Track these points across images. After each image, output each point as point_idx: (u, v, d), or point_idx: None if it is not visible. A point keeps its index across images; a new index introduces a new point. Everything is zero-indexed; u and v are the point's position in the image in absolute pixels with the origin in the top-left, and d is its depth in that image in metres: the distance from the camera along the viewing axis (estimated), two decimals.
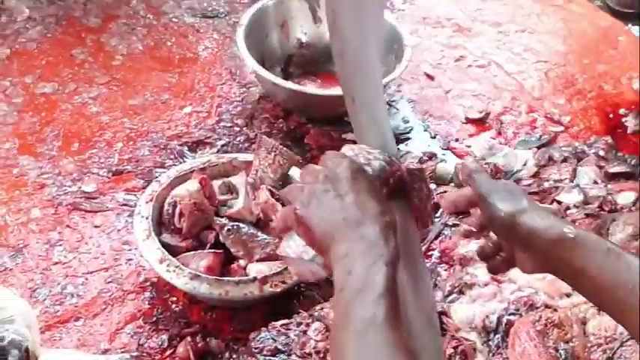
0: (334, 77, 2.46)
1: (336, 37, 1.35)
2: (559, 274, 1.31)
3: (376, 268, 1.12)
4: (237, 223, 2.06)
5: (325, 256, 1.21)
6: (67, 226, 2.29)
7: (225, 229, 2.05)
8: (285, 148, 2.22)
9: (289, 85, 2.52)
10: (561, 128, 2.65)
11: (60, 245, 2.24)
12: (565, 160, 2.42)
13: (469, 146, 2.55)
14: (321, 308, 1.95)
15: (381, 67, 1.38)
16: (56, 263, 2.20)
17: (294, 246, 1.29)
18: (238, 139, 2.56)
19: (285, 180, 2.19)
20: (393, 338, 1.06)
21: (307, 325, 1.91)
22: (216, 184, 2.18)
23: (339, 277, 1.15)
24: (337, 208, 1.19)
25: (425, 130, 2.66)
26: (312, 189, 1.23)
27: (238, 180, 2.19)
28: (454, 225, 2.26)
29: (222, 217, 2.10)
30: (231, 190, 2.17)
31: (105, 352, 2.02)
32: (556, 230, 1.28)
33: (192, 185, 2.10)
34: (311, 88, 2.68)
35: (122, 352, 2.01)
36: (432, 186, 2.38)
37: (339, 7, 1.33)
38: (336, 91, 2.41)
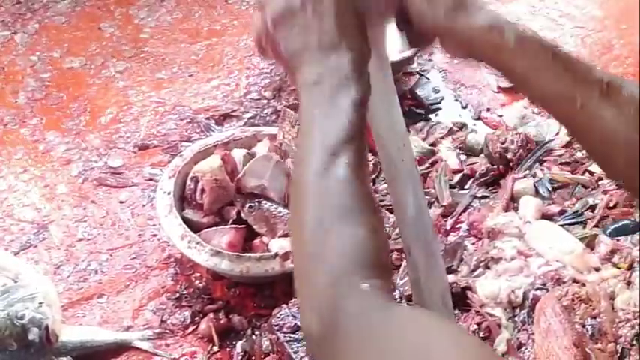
0: None
1: None
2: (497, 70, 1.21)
3: (346, 104, 1.06)
4: (258, 200, 2.04)
5: (291, 75, 1.14)
6: (93, 201, 2.29)
7: (247, 205, 2.02)
8: None
9: None
10: None
11: (85, 221, 2.24)
12: None
13: (501, 116, 2.51)
14: None
15: (387, 43, 1.33)
16: (81, 240, 2.20)
17: None
18: (265, 111, 2.53)
19: None
20: (355, 186, 1.01)
21: None
22: (239, 153, 2.16)
23: (306, 106, 1.10)
24: (313, 28, 1.12)
25: (456, 100, 2.62)
26: (288, 1, 1.13)
27: (261, 149, 2.17)
28: (483, 197, 2.21)
29: (247, 193, 2.07)
30: None
31: (128, 328, 2.02)
32: (495, 36, 1.13)
33: (215, 161, 2.08)
34: None
35: (145, 329, 2.01)
36: (462, 157, 2.34)
37: None
38: None
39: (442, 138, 2.42)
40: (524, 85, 1.15)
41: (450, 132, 2.44)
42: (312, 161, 1.04)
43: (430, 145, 2.39)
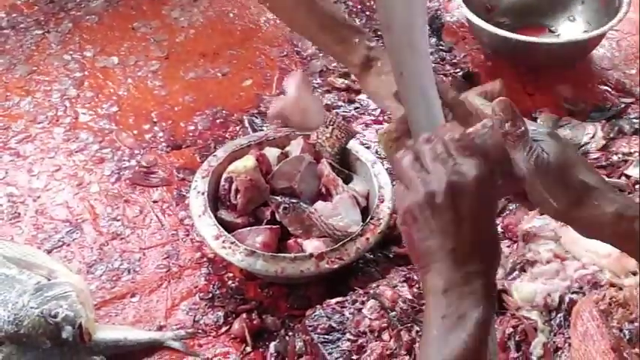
0: None
1: (382, 10, 1.32)
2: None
3: (471, 323, 1.10)
4: (293, 201, 2.03)
5: (420, 270, 1.16)
6: (126, 201, 2.29)
7: (282, 207, 2.01)
8: (343, 122, 2.18)
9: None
10: (632, 99, 2.56)
11: (118, 220, 2.24)
12: (635, 132, 2.34)
13: (536, 118, 2.47)
14: (377, 286, 1.91)
15: (428, 40, 1.33)
16: (113, 238, 2.20)
17: None
18: None
19: (342, 154, 2.15)
20: None
21: (362, 303, 1.87)
22: (273, 153, 2.16)
23: (432, 311, 1.12)
24: (450, 232, 1.12)
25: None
26: (429, 197, 1.12)
27: (295, 148, 2.18)
28: None
29: (278, 194, 2.07)
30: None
31: (160, 328, 2.01)
32: (625, 225, 1.15)
33: (249, 161, 2.08)
34: None
35: (178, 329, 2.00)
36: None
37: None
38: None
39: None
40: None
41: None
42: None
43: None
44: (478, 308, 1.09)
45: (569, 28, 2.74)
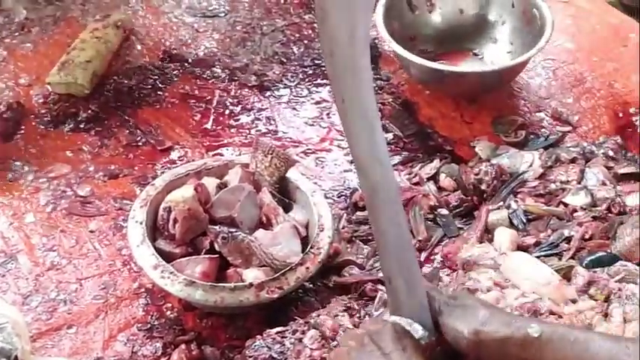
0: None
1: (324, 36, 1.32)
2: None
3: None
4: (232, 230, 2.01)
5: None
6: (62, 231, 2.25)
7: (220, 237, 1.99)
8: (282, 151, 2.18)
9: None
10: (569, 128, 2.57)
11: (54, 251, 2.20)
12: (573, 160, 2.35)
13: (474, 146, 2.48)
14: (318, 315, 1.90)
15: (370, 66, 1.33)
16: (49, 269, 2.16)
17: None
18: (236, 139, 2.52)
19: (281, 183, 2.14)
20: None
21: (303, 332, 1.86)
22: (212, 183, 2.13)
23: None
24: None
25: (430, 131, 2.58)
26: (358, 352, 1.34)
27: (233, 177, 2.15)
28: (457, 228, 2.21)
29: (217, 224, 2.04)
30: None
31: None
32: (521, 333, 1.32)
33: (188, 191, 2.05)
34: None
35: None
36: (432, 187, 2.32)
37: (329, 4, 1.28)
38: None
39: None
40: None
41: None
42: None
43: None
44: None
45: (493, 50, 2.77)
